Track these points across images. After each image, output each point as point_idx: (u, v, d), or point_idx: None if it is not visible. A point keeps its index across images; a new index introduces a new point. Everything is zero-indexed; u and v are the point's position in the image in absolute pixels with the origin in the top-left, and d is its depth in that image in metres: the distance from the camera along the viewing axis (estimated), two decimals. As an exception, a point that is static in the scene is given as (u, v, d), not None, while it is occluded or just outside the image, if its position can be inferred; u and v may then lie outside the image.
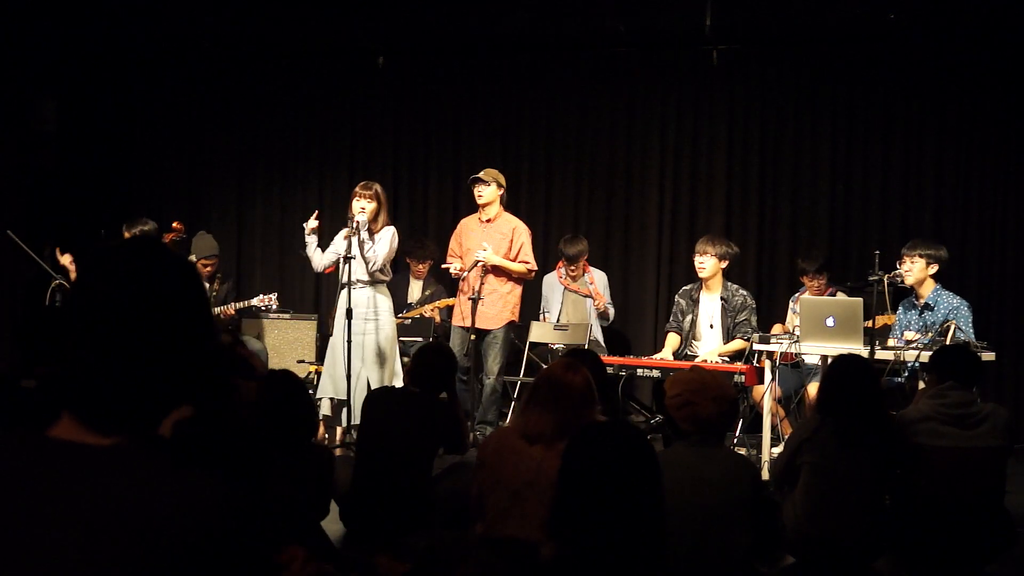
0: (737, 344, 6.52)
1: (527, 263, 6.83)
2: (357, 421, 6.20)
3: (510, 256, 6.77)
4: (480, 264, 6.62)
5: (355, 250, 6.15)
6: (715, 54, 7.79)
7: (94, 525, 1.11)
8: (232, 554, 1.15)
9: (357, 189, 6.34)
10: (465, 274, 6.68)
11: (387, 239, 6.27)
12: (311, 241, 6.41)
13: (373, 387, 6.15)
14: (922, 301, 6.03)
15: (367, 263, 6.20)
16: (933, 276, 6.05)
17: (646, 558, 2.17)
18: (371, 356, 6.21)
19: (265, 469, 2.43)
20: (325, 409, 6.15)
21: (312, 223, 6.37)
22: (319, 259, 6.43)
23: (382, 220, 6.29)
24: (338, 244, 6.38)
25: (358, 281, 6.22)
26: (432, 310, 7.46)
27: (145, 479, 1.15)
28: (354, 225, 6.16)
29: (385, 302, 6.33)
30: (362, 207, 6.22)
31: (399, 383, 6.06)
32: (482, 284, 6.59)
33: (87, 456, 1.16)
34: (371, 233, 6.24)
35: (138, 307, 1.19)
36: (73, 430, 1.19)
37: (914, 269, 6.01)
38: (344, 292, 6.15)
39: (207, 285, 7.30)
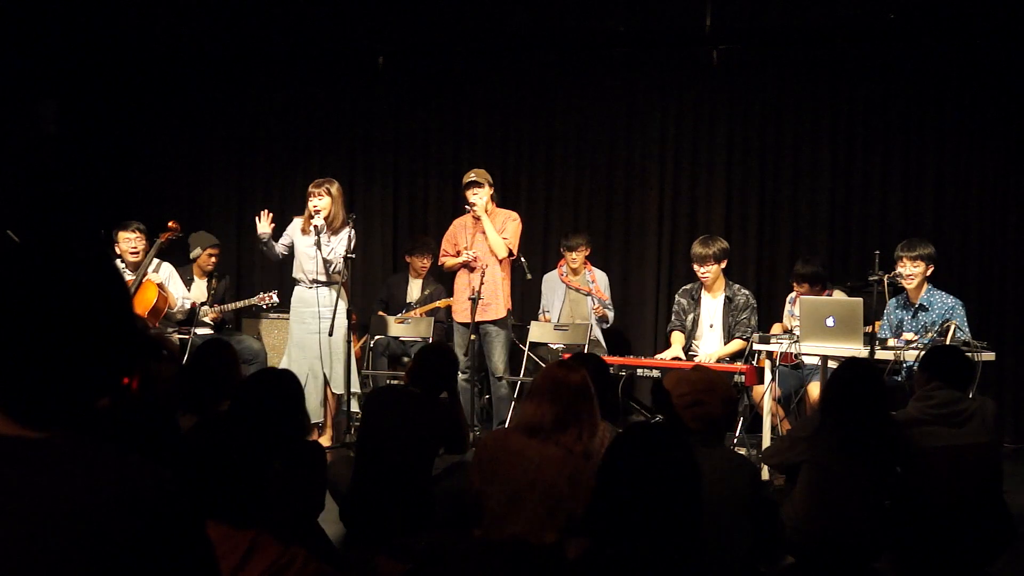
0: (736, 345, 6.53)
1: (507, 239, 6.77)
2: (314, 420, 6.25)
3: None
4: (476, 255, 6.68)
5: (315, 251, 6.25)
6: (715, 54, 7.80)
7: (31, 516, 1.11)
8: (173, 537, 1.16)
9: (310, 187, 6.39)
10: (471, 254, 6.68)
11: (346, 240, 6.33)
12: (268, 241, 6.54)
13: (334, 386, 6.22)
14: (916, 302, 6.02)
15: (327, 264, 6.23)
16: (927, 277, 6.06)
17: (681, 560, 2.17)
18: (336, 354, 6.30)
19: (263, 470, 2.43)
20: None
21: (264, 227, 6.47)
22: (274, 251, 6.57)
23: (340, 218, 6.33)
24: (294, 236, 6.51)
25: (315, 281, 6.26)
26: (432, 309, 7.46)
27: (79, 468, 1.16)
28: (312, 229, 6.25)
29: (343, 303, 6.36)
30: (315, 205, 6.26)
31: (341, 385, 6.27)
32: (482, 284, 6.60)
33: (19, 448, 1.17)
34: (332, 232, 6.28)
35: (54, 301, 1.19)
36: (3, 423, 1.19)
37: (916, 273, 5.99)
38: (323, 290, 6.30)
39: (207, 282, 7.30)
